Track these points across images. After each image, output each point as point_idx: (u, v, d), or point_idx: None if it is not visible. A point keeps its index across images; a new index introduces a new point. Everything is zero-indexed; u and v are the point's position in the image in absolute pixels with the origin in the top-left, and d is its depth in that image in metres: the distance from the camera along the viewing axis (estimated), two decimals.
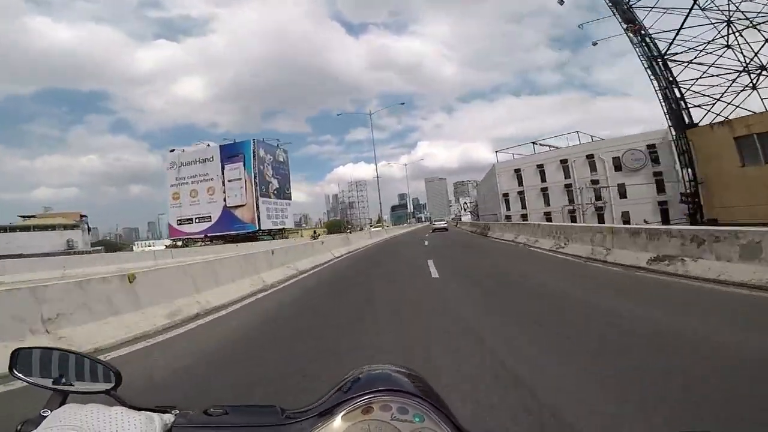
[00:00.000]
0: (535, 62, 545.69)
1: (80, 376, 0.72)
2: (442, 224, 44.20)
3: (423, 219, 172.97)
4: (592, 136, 43.19)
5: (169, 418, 0.62)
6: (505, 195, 46.49)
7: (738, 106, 25.25)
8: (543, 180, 43.33)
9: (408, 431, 0.58)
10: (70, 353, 0.73)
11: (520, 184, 45.25)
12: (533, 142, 47.49)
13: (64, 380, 0.70)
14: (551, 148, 45.39)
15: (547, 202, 42.70)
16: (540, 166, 43.63)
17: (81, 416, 0.54)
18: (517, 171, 45.60)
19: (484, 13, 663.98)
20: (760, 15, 23.53)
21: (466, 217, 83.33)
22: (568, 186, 41.18)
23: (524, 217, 41.93)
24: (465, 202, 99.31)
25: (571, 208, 40.11)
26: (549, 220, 37.59)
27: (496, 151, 50.86)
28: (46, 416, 0.57)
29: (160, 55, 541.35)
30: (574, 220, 37.37)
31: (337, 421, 0.59)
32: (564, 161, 41.32)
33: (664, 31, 28.11)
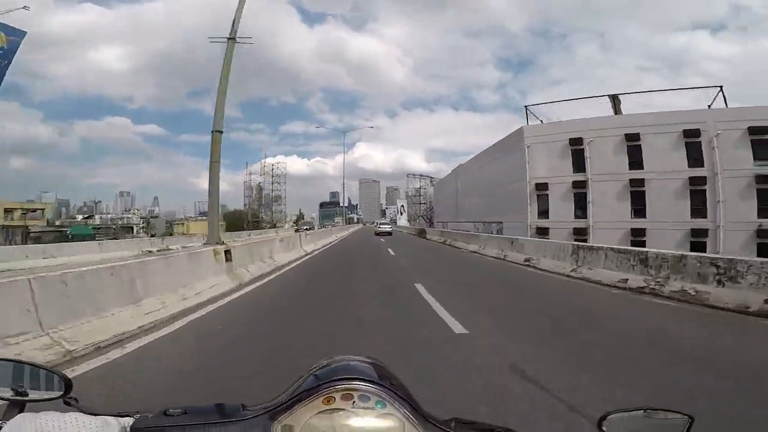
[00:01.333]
0: (479, 80, 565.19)
1: (34, 385, 0.71)
2: (386, 228, 39.05)
3: (356, 220, 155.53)
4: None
5: (127, 421, 0.62)
6: (541, 188, 24.13)
7: None
8: (635, 164, 21.82)
9: (370, 418, 0.59)
10: (20, 363, 0.73)
11: (579, 168, 23.25)
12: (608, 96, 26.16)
13: (17, 390, 0.70)
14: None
15: (640, 209, 21.32)
16: (632, 139, 22.02)
17: (37, 424, 0.54)
18: (576, 144, 23.56)
19: (444, 22, 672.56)
20: None
21: (402, 221, 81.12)
22: (697, 181, 20.08)
23: (580, 233, 21.68)
24: (402, 205, 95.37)
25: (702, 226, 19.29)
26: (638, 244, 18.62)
27: (526, 107, 28.05)
28: (2, 428, 0.57)
29: (79, 19, 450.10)
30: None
31: (299, 413, 0.60)
32: (692, 133, 20.27)
33: None
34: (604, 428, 0.67)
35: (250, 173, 77.04)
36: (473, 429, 0.70)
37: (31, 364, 0.73)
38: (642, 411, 0.69)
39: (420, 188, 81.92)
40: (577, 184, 23.60)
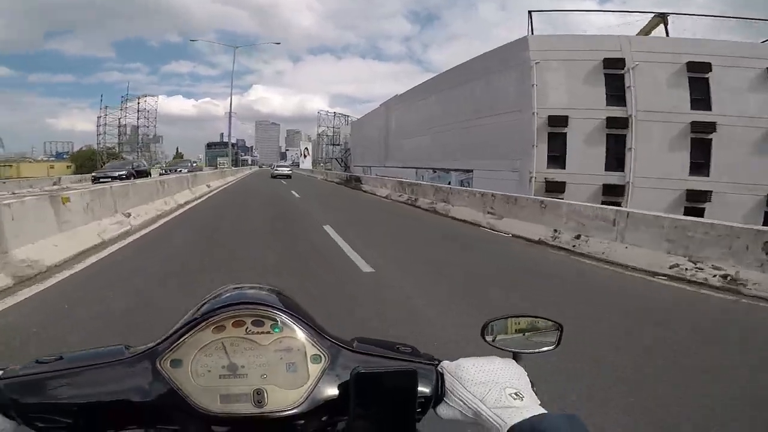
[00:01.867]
0: (388, 31, 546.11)
1: None
2: (285, 170, 33.73)
3: (251, 162, 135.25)
4: None
5: None
6: (557, 124, 16.25)
7: None
8: (699, 103, 15.36)
9: (267, 342, 0.56)
10: None
11: (616, 101, 15.92)
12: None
13: None
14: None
15: (701, 163, 15.03)
16: (698, 69, 15.50)
17: None
18: (614, 67, 16.06)
19: None
20: None
21: (306, 165, 75.81)
22: None
23: (613, 192, 15.34)
24: (306, 148, 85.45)
25: None
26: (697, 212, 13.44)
27: (530, 12, 19.03)
28: None
29: None
30: None
31: (186, 346, 0.55)
32: None
33: None
34: (485, 337, 0.68)
35: (106, 108, 54.95)
36: (375, 345, 0.66)
37: None
38: (518, 318, 0.70)
39: (334, 128, 68.89)
40: (612, 122, 15.66)
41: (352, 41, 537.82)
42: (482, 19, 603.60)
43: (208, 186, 17.20)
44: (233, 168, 34.25)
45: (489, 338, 0.68)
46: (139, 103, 57.91)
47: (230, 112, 25.51)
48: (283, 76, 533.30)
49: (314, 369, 0.57)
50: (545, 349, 0.68)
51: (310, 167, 73.92)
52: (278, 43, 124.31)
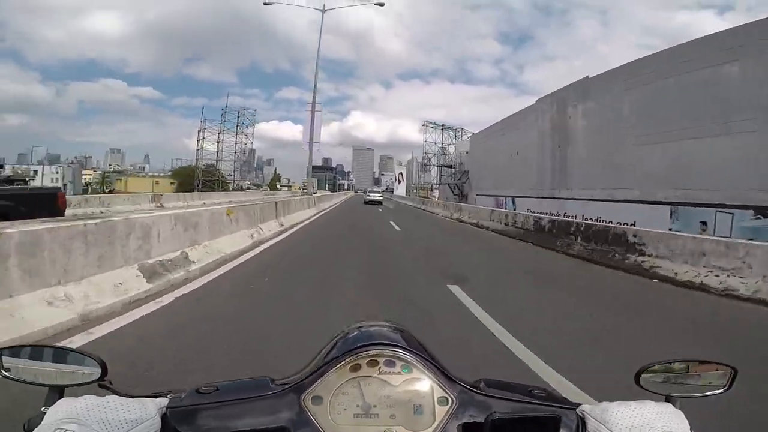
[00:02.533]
0: (477, 53, 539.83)
1: (70, 369, 0.72)
2: (376, 196, 34.13)
3: (347, 187, 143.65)
4: None
5: (162, 401, 0.63)
6: None
7: None
8: None
9: (397, 383, 0.59)
10: (56, 348, 0.75)
11: None
12: None
13: (55, 376, 0.71)
14: None
15: None
16: None
17: (78, 409, 0.56)
18: None
19: None
20: None
21: (400, 191, 73.10)
22: None
23: None
24: (400, 173, 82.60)
25: None
26: None
27: None
28: (45, 413, 0.58)
29: None
30: None
31: (326, 383, 0.60)
32: None
33: None
34: (641, 383, 0.66)
35: (214, 131, 58.26)
36: (504, 388, 0.67)
37: (69, 350, 0.74)
38: (680, 363, 0.67)
39: (442, 146, 52.98)
40: None
41: (440, 65, 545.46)
42: (580, 36, 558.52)
43: (281, 225, 10.50)
44: (328, 193, 35.83)
45: (643, 382, 0.66)
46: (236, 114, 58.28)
47: (311, 140, 24.39)
48: (376, 102, 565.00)
49: (441, 411, 0.59)
50: (712, 392, 0.65)
51: (403, 193, 71.53)
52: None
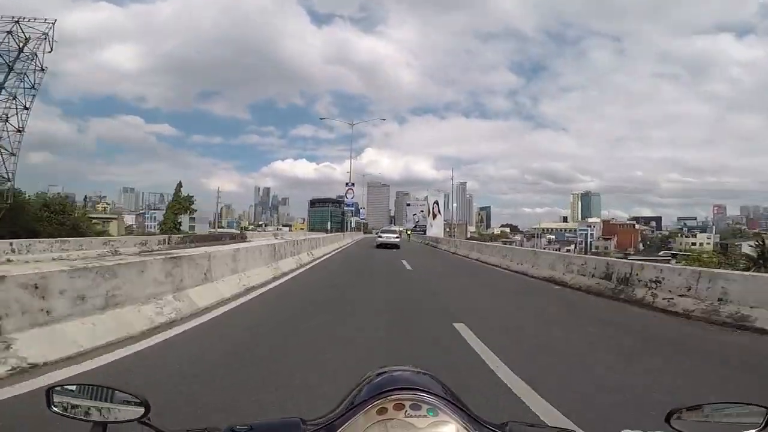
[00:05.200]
0: (491, 85, 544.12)
1: (115, 407, 0.77)
2: (392, 237, 24.78)
3: (354, 225, 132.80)
4: None
5: None
6: None
7: None
8: None
9: (423, 426, 0.60)
10: (101, 387, 0.78)
11: None
12: None
13: (99, 413, 0.75)
14: None
15: None
16: None
17: None
18: None
19: (454, 25, 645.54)
20: None
21: (435, 231, 56.20)
22: None
23: None
24: (436, 202, 65.75)
25: None
26: None
27: None
28: None
29: (93, 18, 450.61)
30: None
31: (354, 426, 0.62)
32: None
33: None
34: (673, 425, 0.66)
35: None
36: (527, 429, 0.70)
37: (112, 389, 0.78)
38: (712, 405, 0.68)
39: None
40: None
41: (453, 99, 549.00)
42: (597, 66, 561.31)
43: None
44: (321, 235, 26.99)
45: (675, 423, 0.67)
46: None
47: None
48: (390, 138, 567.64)
49: None
50: None
51: (440, 232, 55.59)
52: (384, 119, 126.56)
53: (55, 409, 0.74)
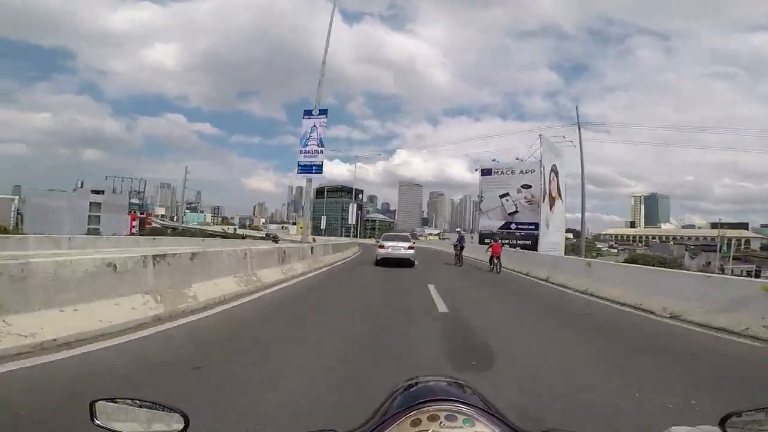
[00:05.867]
0: (528, 86, 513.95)
1: (157, 420, 0.80)
2: (400, 248, 14.71)
3: (375, 227, 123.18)
4: None
5: None
6: None
7: None
8: None
9: None
10: (142, 401, 0.81)
11: None
12: None
13: (143, 426, 0.78)
14: None
15: None
16: None
17: None
18: None
19: (489, 23, 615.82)
20: None
21: (552, 239, 31.97)
22: None
23: None
24: (554, 166, 35.11)
25: None
26: None
27: None
28: None
29: (138, 17, 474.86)
30: None
31: None
32: None
33: None
34: (727, 429, 0.65)
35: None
36: None
37: (155, 403, 0.80)
38: (765, 410, 0.67)
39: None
40: None
41: (488, 100, 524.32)
42: (643, 66, 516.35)
43: None
44: (330, 242, 16.53)
45: (730, 427, 0.66)
46: None
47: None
48: (423, 140, 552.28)
49: None
50: None
51: (561, 243, 33.66)
52: (380, 154, 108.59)
53: (98, 422, 0.76)
